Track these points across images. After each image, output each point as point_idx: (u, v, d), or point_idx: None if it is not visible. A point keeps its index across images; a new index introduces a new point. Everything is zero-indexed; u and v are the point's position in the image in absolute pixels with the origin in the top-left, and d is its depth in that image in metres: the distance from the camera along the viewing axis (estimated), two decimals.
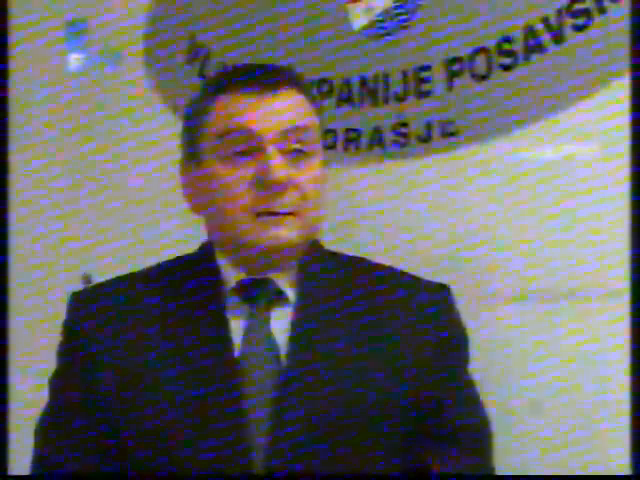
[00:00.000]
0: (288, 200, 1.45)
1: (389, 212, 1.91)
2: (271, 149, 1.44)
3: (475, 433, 1.52)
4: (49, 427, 1.51)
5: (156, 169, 2.15)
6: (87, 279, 2.18)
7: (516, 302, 1.78)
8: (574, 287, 1.74)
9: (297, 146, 1.47)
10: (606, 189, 1.71)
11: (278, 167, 1.43)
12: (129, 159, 2.19)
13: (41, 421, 1.53)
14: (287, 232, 1.45)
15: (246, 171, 1.45)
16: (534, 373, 1.76)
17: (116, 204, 2.20)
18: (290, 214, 1.45)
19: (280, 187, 1.44)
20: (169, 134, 2.13)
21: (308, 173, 1.47)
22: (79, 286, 2.15)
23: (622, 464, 1.60)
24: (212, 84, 1.55)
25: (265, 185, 1.44)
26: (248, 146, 1.45)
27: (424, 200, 1.88)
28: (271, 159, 1.43)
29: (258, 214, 1.44)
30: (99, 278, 2.08)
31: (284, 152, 1.45)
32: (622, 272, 1.66)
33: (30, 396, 2.12)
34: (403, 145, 1.90)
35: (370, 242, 1.84)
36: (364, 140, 1.94)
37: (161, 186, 2.14)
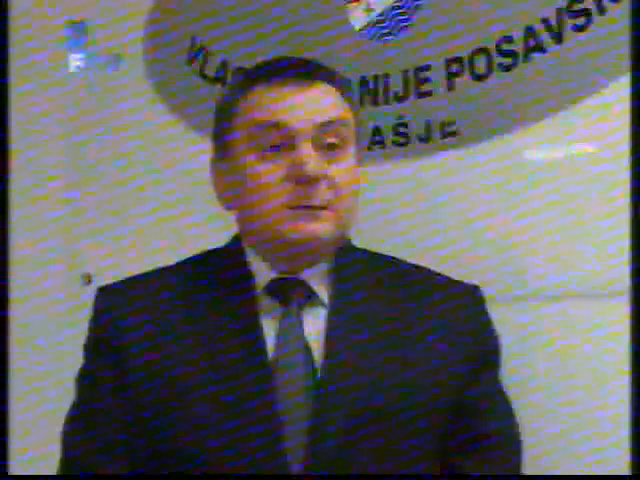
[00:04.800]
0: (321, 194, 1.43)
1: (388, 212, 1.91)
2: (304, 142, 1.43)
3: (505, 437, 1.52)
4: (79, 425, 1.49)
5: (157, 169, 2.15)
6: (87, 279, 2.18)
7: (516, 302, 1.78)
8: (574, 287, 1.74)
9: (331, 140, 1.46)
10: (606, 189, 1.71)
11: (311, 162, 1.42)
12: (129, 159, 2.19)
13: (70, 419, 1.51)
14: (320, 226, 1.44)
15: (279, 165, 1.44)
16: (533, 372, 1.76)
17: (116, 204, 2.20)
18: (323, 208, 1.44)
19: (313, 181, 1.42)
20: (170, 134, 2.15)
21: (341, 167, 1.46)
22: (79, 286, 2.17)
23: (622, 464, 1.60)
24: (245, 76, 1.54)
25: (298, 179, 1.42)
26: (282, 140, 1.44)
27: (423, 200, 1.88)
28: (304, 153, 1.43)
29: (291, 208, 1.43)
30: (99, 278, 2.10)
31: (318, 146, 1.45)
32: (622, 272, 1.65)
33: (30, 396, 2.13)
34: (403, 145, 1.90)
35: (369, 241, 1.83)
36: (364, 140, 1.93)
37: (162, 186, 2.14)
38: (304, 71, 1.48)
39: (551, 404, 1.75)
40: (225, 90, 1.56)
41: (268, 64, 1.53)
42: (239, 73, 1.58)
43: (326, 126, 1.45)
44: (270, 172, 1.44)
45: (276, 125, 1.44)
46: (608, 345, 1.70)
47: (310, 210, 1.43)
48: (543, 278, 1.77)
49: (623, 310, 1.64)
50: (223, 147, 1.51)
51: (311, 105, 1.46)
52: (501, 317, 1.73)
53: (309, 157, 1.42)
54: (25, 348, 2.16)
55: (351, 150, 1.49)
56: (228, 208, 1.53)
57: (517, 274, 1.79)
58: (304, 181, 1.42)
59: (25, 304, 2.19)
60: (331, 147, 1.46)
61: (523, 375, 1.76)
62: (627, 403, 1.58)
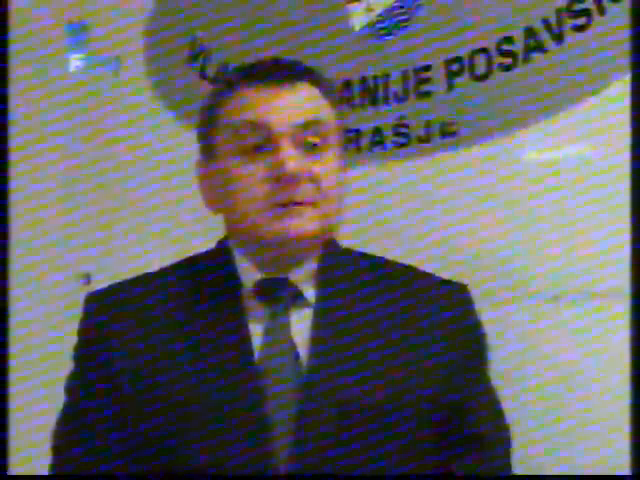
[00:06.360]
0: (303, 191, 1.44)
1: (388, 212, 1.91)
2: (285, 142, 1.44)
3: (494, 437, 1.52)
4: (69, 429, 1.50)
5: (156, 169, 2.15)
6: (87, 279, 2.18)
7: (516, 302, 1.78)
8: (574, 287, 1.74)
9: (312, 139, 1.46)
10: (606, 189, 1.71)
11: (291, 160, 1.43)
12: (129, 159, 2.19)
13: (59, 423, 1.52)
14: (303, 222, 1.44)
15: (260, 164, 1.45)
16: (533, 373, 1.76)
17: (116, 204, 2.20)
18: (305, 205, 1.44)
19: (294, 179, 1.43)
20: (169, 134, 2.15)
21: (323, 165, 1.47)
22: (78, 286, 2.17)
23: (622, 464, 1.60)
24: (228, 78, 1.55)
25: (279, 178, 1.43)
26: (262, 139, 1.45)
27: (423, 200, 1.88)
28: (284, 152, 1.43)
29: (273, 206, 1.44)
30: (99, 278, 2.10)
31: (298, 145, 1.45)
32: (622, 272, 1.65)
33: (30, 396, 2.13)
34: (403, 145, 1.90)
35: (368, 241, 1.83)
36: (364, 140, 1.94)
37: (161, 186, 2.15)
38: (286, 72, 1.49)
39: (550, 404, 1.75)
40: (209, 93, 1.57)
41: (251, 65, 1.54)
42: (224, 76, 1.59)
43: (307, 126, 1.46)
44: (252, 172, 1.45)
45: (257, 125, 1.45)
46: (608, 345, 1.70)
47: (292, 207, 1.44)
48: (542, 278, 1.77)
49: (623, 310, 1.64)
50: (208, 149, 1.52)
51: (292, 105, 1.47)
52: (500, 317, 1.74)
53: (289, 156, 1.43)
54: (25, 348, 2.16)
55: (333, 150, 1.50)
56: (213, 210, 1.54)
57: (517, 274, 1.79)
58: (285, 180, 1.43)
59: (25, 304, 2.19)
60: (313, 147, 1.47)
61: (522, 375, 1.76)
62: (627, 403, 1.58)
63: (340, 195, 1.51)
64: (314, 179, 1.45)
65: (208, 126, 1.52)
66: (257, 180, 1.45)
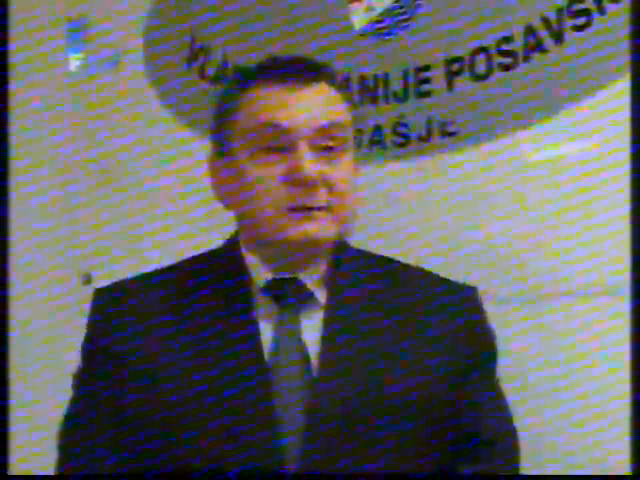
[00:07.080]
0: (319, 196, 1.43)
1: (387, 211, 1.91)
2: (303, 146, 1.43)
3: (501, 441, 1.52)
4: (75, 425, 1.50)
5: (156, 168, 2.15)
6: (87, 278, 2.19)
7: (515, 300, 1.79)
8: (574, 286, 1.74)
9: (329, 143, 1.45)
10: (606, 188, 1.71)
11: (310, 164, 1.42)
12: (129, 157, 2.19)
13: (66, 419, 1.52)
14: (320, 227, 1.44)
15: (278, 167, 1.43)
16: (534, 373, 1.77)
17: (116, 204, 2.20)
18: (322, 210, 1.44)
19: (312, 184, 1.42)
20: (169, 133, 2.15)
21: (340, 169, 1.46)
22: (79, 286, 2.18)
23: (622, 463, 1.60)
24: (244, 75, 1.53)
25: (297, 182, 1.42)
26: (280, 142, 1.44)
27: (423, 200, 1.88)
28: (303, 156, 1.42)
29: (290, 210, 1.43)
30: (99, 278, 2.10)
31: (316, 148, 1.44)
32: (622, 271, 1.65)
33: (30, 396, 2.13)
34: (403, 144, 1.90)
35: (368, 241, 1.83)
36: (364, 140, 1.94)
37: (162, 185, 2.15)
38: (305, 72, 1.47)
39: (551, 403, 1.75)
40: (224, 88, 1.55)
41: (267, 63, 1.52)
42: (238, 72, 1.57)
43: (326, 130, 1.45)
44: (268, 174, 1.43)
45: (274, 127, 1.44)
46: (608, 344, 1.70)
47: (309, 212, 1.43)
48: (543, 277, 1.77)
49: (623, 310, 1.64)
50: (221, 146, 1.51)
51: (310, 107, 1.45)
52: (501, 316, 1.74)
53: (307, 160, 1.42)
54: (25, 348, 2.16)
55: (349, 152, 1.49)
56: (226, 206, 1.53)
57: (517, 273, 1.79)
58: (302, 184, 1.42)
59: (25, 304, 2.19)
60: (329, 149, 1.46)
61: (523, 374, 1.76)
62: (627, 402, 1.58)
63: (354, 198, 1.51)
64: (330, 183, 1.44)
65: (222, 123, 1.50)
66: (273, 182, 1.43)
